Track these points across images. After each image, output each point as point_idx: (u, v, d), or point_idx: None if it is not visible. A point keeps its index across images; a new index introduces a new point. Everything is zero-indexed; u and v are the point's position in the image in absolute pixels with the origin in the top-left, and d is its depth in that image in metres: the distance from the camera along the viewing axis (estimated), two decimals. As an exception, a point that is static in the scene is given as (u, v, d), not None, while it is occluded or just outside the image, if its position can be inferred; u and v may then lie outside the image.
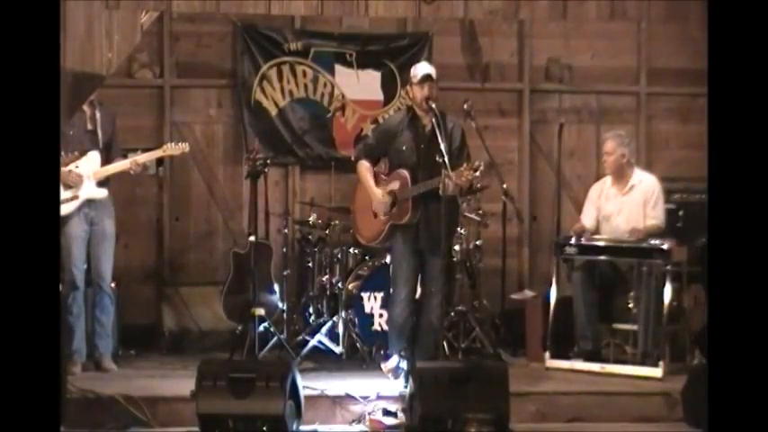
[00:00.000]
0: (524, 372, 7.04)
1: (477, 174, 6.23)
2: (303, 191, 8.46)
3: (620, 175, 7.30)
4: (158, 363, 7.41)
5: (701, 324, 6.91)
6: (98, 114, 7.05)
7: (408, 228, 6.57)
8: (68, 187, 6.88)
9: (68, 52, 6.19)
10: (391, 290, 6.69)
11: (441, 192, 6.24)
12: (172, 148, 7.22)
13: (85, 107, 6.94)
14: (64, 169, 6.76)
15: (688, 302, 7.36)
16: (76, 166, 6.92)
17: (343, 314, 7.29)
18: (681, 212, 7.84)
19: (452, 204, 6.48)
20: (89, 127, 7.04)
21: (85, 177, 6.97)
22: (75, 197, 6.93)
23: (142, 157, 7.16)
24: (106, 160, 7.07)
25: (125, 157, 7.16)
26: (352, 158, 6.92)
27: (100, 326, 7.08)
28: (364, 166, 6.75)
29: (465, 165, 6.25)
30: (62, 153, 6.74)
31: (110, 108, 7.22)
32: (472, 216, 7.66)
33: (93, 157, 7.01)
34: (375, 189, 6.68)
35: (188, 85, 8.45)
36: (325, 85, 8.48)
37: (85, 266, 7.05)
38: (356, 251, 7.63)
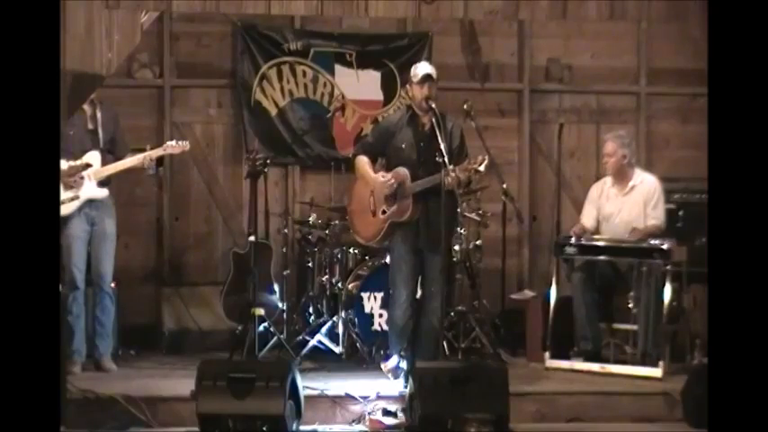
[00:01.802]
0: (524, 372, 7.04)
1: (482, 168, 6.21)
2: (303, 191, 8.45)
3: (621, 176, 7.30)
4: (158, 363, 7.40)
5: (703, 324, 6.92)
6: (99, 114, 7.04)
7: (408, 226, 6.54)
8: (69, 187, 6.88)
9: (68, 52, 6.19)
10: (391, 291, 6.67)
11: (443, 187, 6.20)
12: (173, 147, 7.21)
13: (86, 106, 6.93)
14: (65, 170, 6.75)
15: (688, 302, 7.35)
16: (81, 177, 6.91)
17: (343, 314, 7.29)
18: (681, 212, 7.83)
19: (452, 201, 6.48)
20: (90, 126, 7.03)
21: (86, 177, 6.96)
22: (75, 197, 6.92)
23: (153, 152, 7.14)
24: (114, 159, 7.05)
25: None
26: (351, 156, 6.91)
27: (100, 326, 7.08)
28: (362, 160, 6.70)
29: (468, 161, 6.25)
30: (71, 161, 6.78)
31: (111, 106, 7.21)
32: (472, 216, 7.66)
33: (94, 156, 7.01)
34: (375, 175, 6.62)
35: (188, 85, 8.43)
36: (325, 85, 8.47)
37: (86, 266, 7.05)
38: (356, 251, 7.62)
